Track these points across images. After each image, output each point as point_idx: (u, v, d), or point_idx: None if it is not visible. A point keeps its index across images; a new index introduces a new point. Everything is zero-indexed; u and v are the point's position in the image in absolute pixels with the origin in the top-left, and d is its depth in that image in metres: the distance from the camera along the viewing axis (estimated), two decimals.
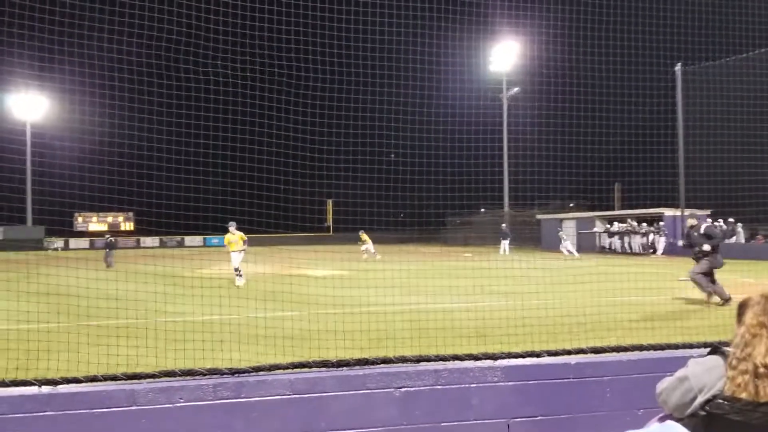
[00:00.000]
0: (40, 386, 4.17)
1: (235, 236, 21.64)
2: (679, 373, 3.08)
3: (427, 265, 12.11)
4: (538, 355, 4.97)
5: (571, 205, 48.62)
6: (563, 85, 10.62)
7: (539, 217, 50.73)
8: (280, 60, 7.13)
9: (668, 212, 38.77)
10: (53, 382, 4.21)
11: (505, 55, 52.22)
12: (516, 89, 53.90)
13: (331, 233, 61.71)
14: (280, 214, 8.80)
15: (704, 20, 10.96)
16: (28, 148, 35.04)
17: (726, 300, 13.71)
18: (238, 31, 7.02)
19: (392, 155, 8.23)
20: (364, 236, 37.72)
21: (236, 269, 21.16)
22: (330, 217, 55.10)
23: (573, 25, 10.07)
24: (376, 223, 11.15)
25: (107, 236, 35.76)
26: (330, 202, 45.26)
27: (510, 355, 4.90)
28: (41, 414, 4.01)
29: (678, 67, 33.98)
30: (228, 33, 6.94)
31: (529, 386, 4.75)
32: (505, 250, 40.07)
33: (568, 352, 5.09)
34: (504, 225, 43.47)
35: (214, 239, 64.04)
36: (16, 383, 4.18)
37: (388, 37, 7.78)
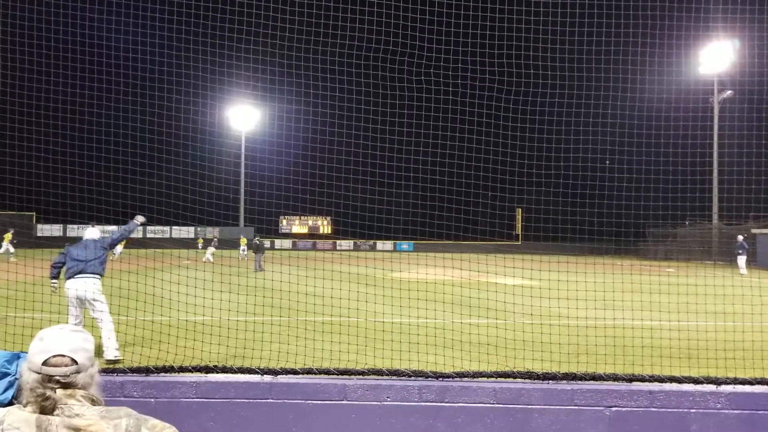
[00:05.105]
0: (262, 375, 4.52)
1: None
2: None
3: (625, 279, 11.39)
4: None
5: None
6: None
7: (755, 231, 45.82)
8: (492, 66, 7.11)
9: None
10: (273, 372, 4.54)
11: (716, 56, 47.86)
12: (728, 92, 49.14)
13: (519, 242, 60.70)
14: (470, 219, 8.79)
15: None
16: (242, 154, 38.88)
17: None
18: (451, 39, 7.10)
19: (606, 162, 7.90)
20: (200, 241, 37.85)
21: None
22: (519, 225, 54.16)
23: None
24: (570, 231, 10.74)
25: (256, 238, 32.99)
26: (519, 210, 44.53)
27: (736, 381, 4.44)
28: (264, 401, 4.35)
29: None
30: (442, 42, 7.04)
31: (759, 417, 4.29)
32: (743, 268, 32.69)
33: None
34: (740, 237, 35.24)
35: (404, 245, 66.69)
36: (242, 370, 4.56)
37: (597, 38, 7.47)
